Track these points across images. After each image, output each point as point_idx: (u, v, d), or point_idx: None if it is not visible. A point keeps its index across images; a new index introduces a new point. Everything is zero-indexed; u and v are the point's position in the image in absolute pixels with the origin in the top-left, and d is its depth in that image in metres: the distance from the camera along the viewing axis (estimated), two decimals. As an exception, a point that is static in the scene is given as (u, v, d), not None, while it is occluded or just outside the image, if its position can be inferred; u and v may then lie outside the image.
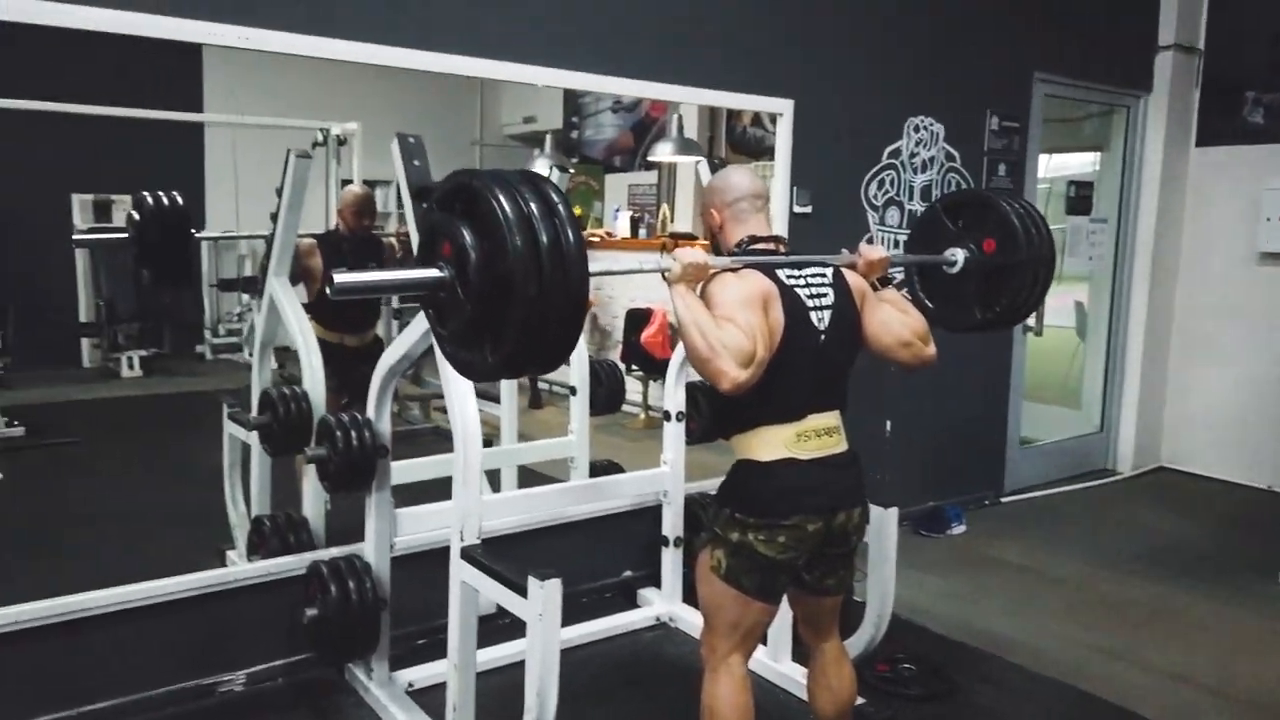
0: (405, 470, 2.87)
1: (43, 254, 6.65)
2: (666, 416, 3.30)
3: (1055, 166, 5.81)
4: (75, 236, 3.90)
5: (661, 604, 3.34)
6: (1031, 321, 4.80)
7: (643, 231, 7.04)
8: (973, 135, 4.42)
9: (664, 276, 1.94)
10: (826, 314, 2.04)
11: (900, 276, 2.84)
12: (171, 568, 2.74)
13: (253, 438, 3.26)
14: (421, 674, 2.78)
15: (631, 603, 3.46)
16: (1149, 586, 3.77)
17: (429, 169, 2.45)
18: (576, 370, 3.76)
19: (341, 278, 1.60)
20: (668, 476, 3.29)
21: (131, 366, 7.06)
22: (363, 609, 2.58)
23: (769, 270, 2.01)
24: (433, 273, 1.64)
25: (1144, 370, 5.30)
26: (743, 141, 7.38)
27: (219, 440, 3.62)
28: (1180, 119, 5.20)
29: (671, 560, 3.31)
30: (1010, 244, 2.43)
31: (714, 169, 3.14)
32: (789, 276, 2.02)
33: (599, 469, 3.87)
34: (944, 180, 4.31)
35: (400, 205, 2.63)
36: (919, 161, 4.22)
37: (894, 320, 2.13)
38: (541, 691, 2.03)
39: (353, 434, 2.56)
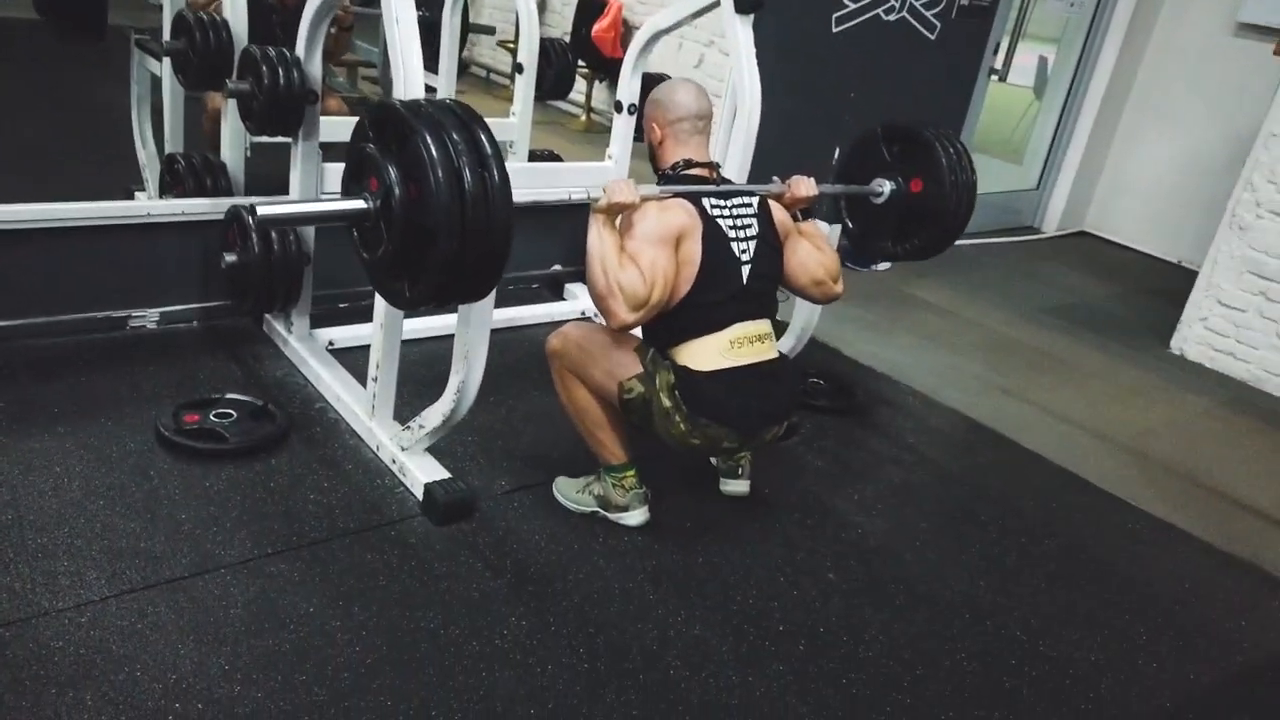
0: (334, 127, 2.69)
1: None
2: (618, 107, 3.14)
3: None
4: None
5: (587, 300, 3.35)
6: (999, 65, 4.65)
7: None
8: None
9: (590, 204, 1.96)
10: (750, 244, 2.09)
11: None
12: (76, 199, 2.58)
13: (165, 68, 2.98)
14: (342, 334, 2.77)
15: (559, 296, 3.47)
16: (1051, 336, 3.95)
17: None
18: (525, 46, 3.51)
19: (265, 209, 1.61)
20: (611, 171, 3.18)
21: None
22: (285, 260, 2.50)
23: (695, 199, 2.03)
24: (358, 204, 1.64)
25: (1091, 134, 5.26)
26: None
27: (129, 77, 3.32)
28: None
29: (603, 256, 3.28)
30: (936, 189, 2.49)
31: None
32: (714, 206, 2.06)
33: (538, 157, 3.73)
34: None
35: None
36: None
37: (810, 259, 2.24)
38: (471, 351, 2.03)
39: (279, 70, 2.35)
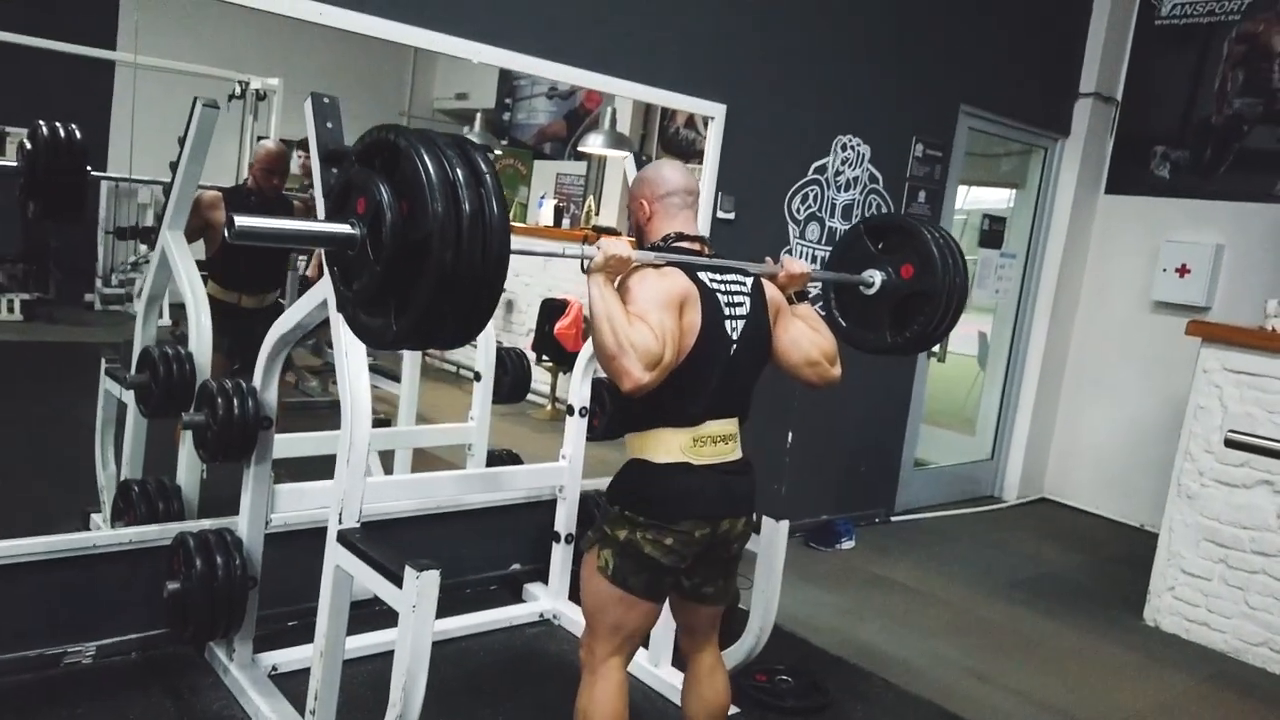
0: (290, 444, 2.76)
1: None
2: (570, 411, 3.25)
3: (972, 199, 5.97)
4: (-47, 165, 3.63)
5: (547, 600, 3.29)
6: (936, 348, 4.91)
7: (566, 222, 6.95)
8: (897, 159, 4.48)
9: (583, 265, 1.89)
10: (741, 324, 2.01)
11: (816, 291, 2.86)
12: (30, 527, 2.57)
13: (130, 396, 3.08)
14: (287, 657, 2.67)
15: (517, 597, 3.40)
16: (1023, 613, 3.88)
17: (343, 133, 2.33)
18: (482, 356, 3.68)
19: (244, 221, 1.51)
20: (565, 471, 3.23)
21: (11, 310, 6.63)
22: (229, 586, 2.45)
23: (690, 271, 1.97)
24: (344, 228, 1.56)
25: (1036, 403, 5.47)
26: (674, 142, 7.35)
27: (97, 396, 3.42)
28: (1093, 165, 5.39)
29: (561, 556, 3.27)
30: (928, 272, 2.47)
31: (640, 166, 3.10)
32: (711, 280, 1.99)
33: (497, 458, 3.79)
34: (865, 201, 4.37)
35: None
36: (843, 180, 4.25)
37: (804, 338, 2.13)
38: (408, 687, 1.95)
39: (235, 401, 2.44)
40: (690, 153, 7.02)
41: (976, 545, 4.73)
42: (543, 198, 7.38)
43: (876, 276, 2.52)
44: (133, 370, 3.00)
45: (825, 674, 3.06)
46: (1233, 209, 4.90)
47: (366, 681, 2.59)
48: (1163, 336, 4.95)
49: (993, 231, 5.35)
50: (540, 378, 6.56)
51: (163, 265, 3.16)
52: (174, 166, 3.13)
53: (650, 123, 7.43)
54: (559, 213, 6.92)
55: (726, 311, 1.98)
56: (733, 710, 2.63)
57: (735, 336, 1.99)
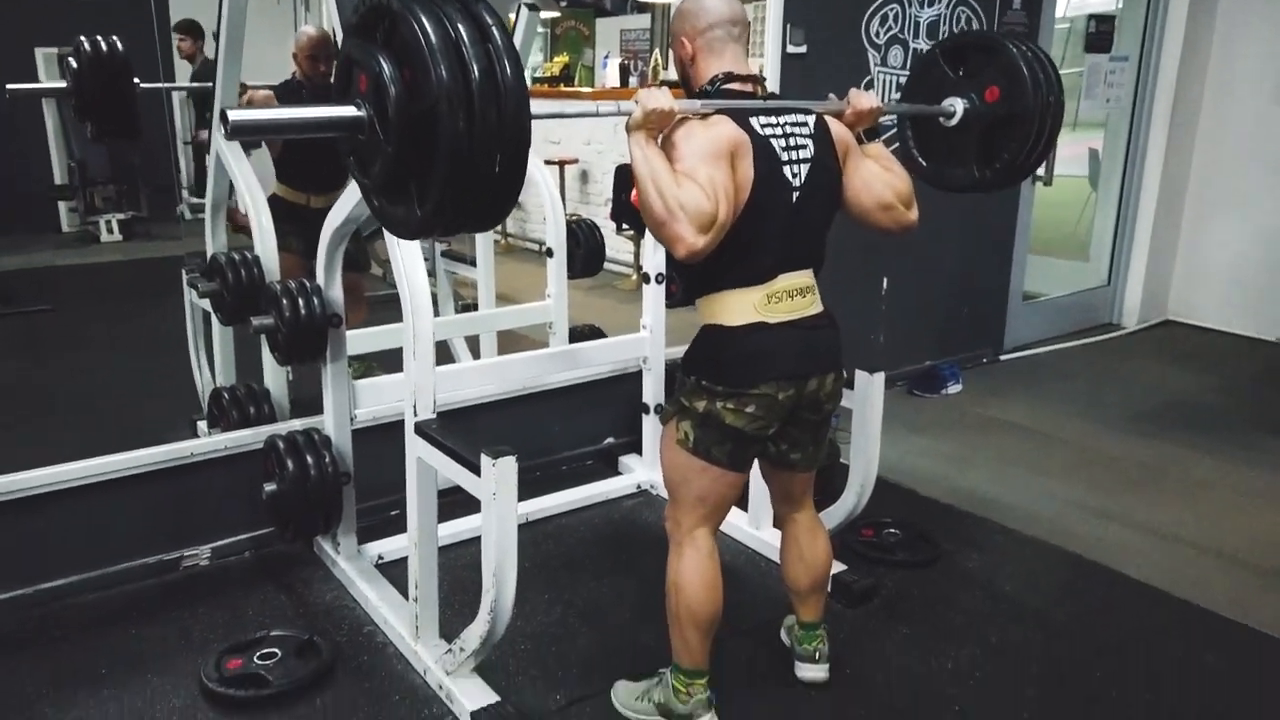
0: (361, 340, 2.72)
1: (8, 113, 6.33)
2: (645, 279, 3.11)
3: (1075, 4, 5.38)
4: (9, 87, 3.60)
5: (643, 471, 3.25)
6: (1041, 171, 4.52)
7: (633, 80, 6.65)
8: (986, -38, 4.03)
9: (628, 124, 1.72)
10: (804, 168, 1.83)
11: (893, 128, 2.59)
12: (144, 439, 2.64)
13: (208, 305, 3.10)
14: (391, 546, 2.71)
15: (614, 469, 3.38)
16: (1149, 444, 3.66)
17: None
18: (552, 230, 3.55)
19: (238, 115, 1.39)
20: (647, 342, 3.13)
21: (110, 230, 6.83)
22: (322, 484, 2.47)
23: (742, 116, 1.78)
24: (348, 111, 1.43)
25: (1156, 219, 5.04)
26: (740, -22, 6.87)
27: (191, 307, 3.48)
28: (1215, -57, 4.75)
29: (652, 427, 3.20)
30: (1016, 91, 2.18)
31: None
32: (764, 125, 1.80)
33: (579, 334, 3.71)
34: (953, 15, 3.95)
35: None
36: (925, -7, 3.85)
37: (876, 180, 1.95)
38: (499, 572, 1.92)
39: (300, 302, 2.39)
40: (756, -12, 6.57)
41: (1095, 377, 4.46)
42: (606, 57, 7.08)
43: (958, 104, 2.25)
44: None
45: (935, 524, 2.95)
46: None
47: (471, 564, 2.59)
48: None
49: (1100, 33, 4.81)
50: (622, 247, 6.42)
51: (220, 170, 3.12)
52: (211, 65, 3.03)
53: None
54: (624, 71, 6.62)
55: (784, 157, 1.81)
56: (841, 567, 2.56)
57: (798, 183, 1.82)
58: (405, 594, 2.37)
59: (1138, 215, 5.08)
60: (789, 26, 3.50)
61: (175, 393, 3.84)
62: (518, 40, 3.60)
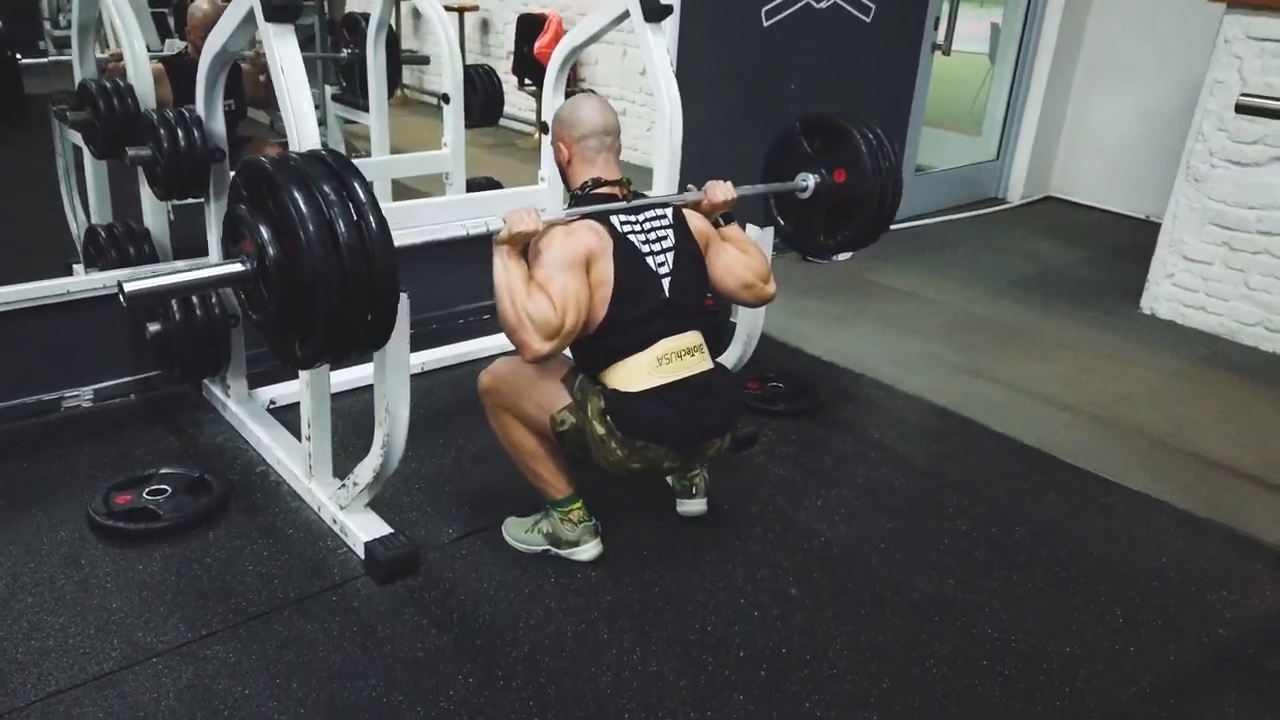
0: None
1: None
2: (544, 129, 3.07)
3: None
4: None
5: (539, 323, 3.29)
6: (940, 39, 4.57)
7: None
8: None
9: (494, 239, 1.92)
10: (669, 255, 2.03)
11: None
12: (8, 280, 2.52)
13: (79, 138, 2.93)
14: (284, 391, 2.71)
15: (510, 322, 3.40)
16: (1019, 309, 3.88)
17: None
18: (449, 76, 3.46)
19: (133, 285, 1.54)
20: (546, 194, 3.12)
21: (-35, 66, 6.25)
22: (209, 325, 2.44)
23: (604, 218, 1.98)
24: (235, 267, 1.59)
25: (1046, 96, 5.18)
26: None
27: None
28: None
29: (549, 279, 3.22)
30: (858, 175, 2.44)
31: None
32: (624, 223, 2.00)
33: (477, 185, 3.67)
34: None
35: None
36: None
37: (736, 264, 2.17)
38: (391, 406, 1.96)
39: (179, 133, 2.29)
40: None
41: (978, 248, 4.66)
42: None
43: (810, 180, 2.50)
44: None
45: (816, 379, 3.11)
46: None
47: (365, 409, 2.60)
48: (1185, 10, 4.56)
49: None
50: (524, 104, 6.26)
51: (85, -10, 2.89)
52: None
53: None
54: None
55: (645, 249, 2.00)
56: (723, 415, 2.69)
57: (665, 270, 2.01)
58: (299, 436, 2.40)
59: (1029, 92, 5.21)
60: None
61: (47, 236, 3.66)
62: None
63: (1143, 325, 3.77)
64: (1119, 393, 3.20)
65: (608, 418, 1.95)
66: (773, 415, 2.85)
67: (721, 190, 2.20)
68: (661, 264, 2.01)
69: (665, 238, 2.04)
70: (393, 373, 1.94)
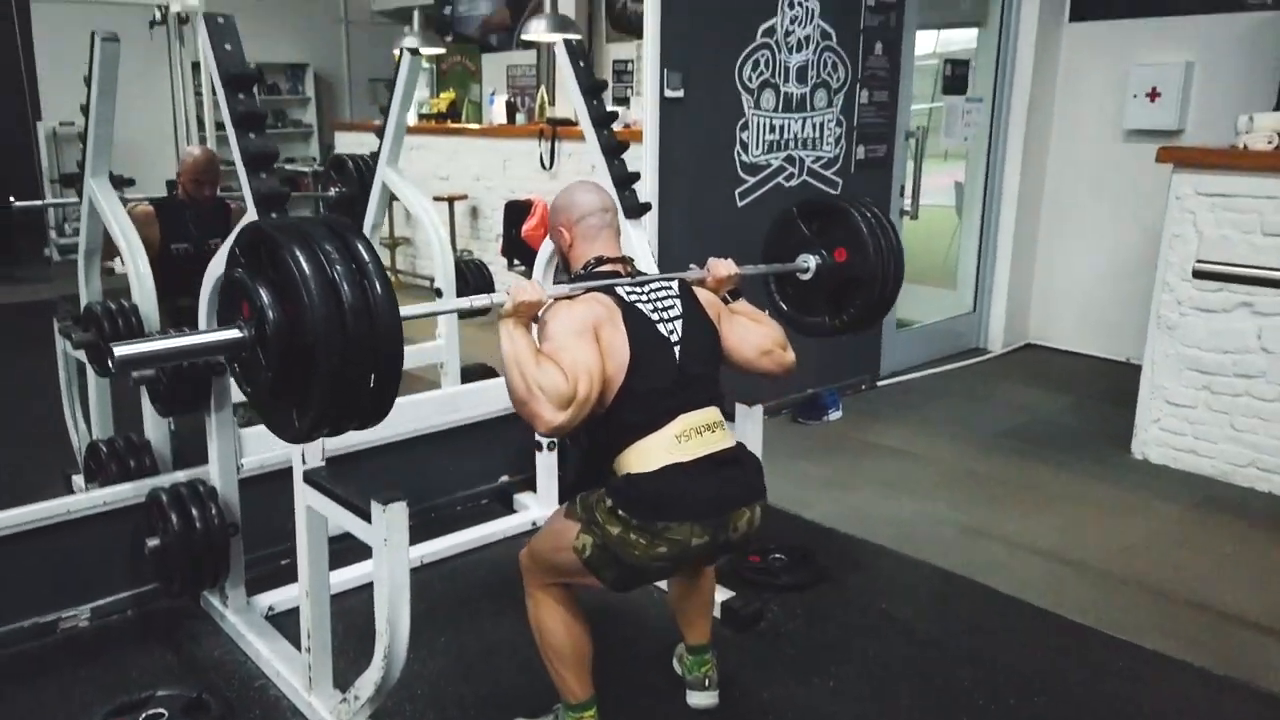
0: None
1: None
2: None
3: (937, 43, 5.74)
4: None
5: (537, 509, 3.29)
6: (908, 205, 4.80)
7: (520, 117, 6.73)
8: (849, 9, 4.28)
9: (498, 314, 1.89)
10: (678, 323, 1.99)
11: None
12: (14, 497, 2.55)
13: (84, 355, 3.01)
14: (281, 597, 2.68)
15: (509, 508, 3.41)
16: (1012, 461, 3.91)
17: (243, 53, 2.19)
18: (441, 271, 3.60)
19: (124, 349, 1.50)
20: (538, 379, 3.18)
21: (-27, 272, 6.47)
22: (209, 536, 2.44)
23: (609, 290, 1.96)
24: (232, 334, 1.53)
25: (1015, 248, 5.40)
26: (623, 19, 7.05)
27: (62, 356, 3.36)
28: (1055, -7, 5.16)
29: (545, 463, 3.26)
30: (859, 255, 2.44)
31: (574, 52, 2.95)
32: (630, 294, 1.97)
33: (472, 373, 3.75)
34: (820, 60, 4.18)
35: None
36: (794, 40, 4.06)
37: (751, 332, 2.14)
38: (392, 617, 1.94)
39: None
40: (640, 28, 6.75)
41: (964, 400, 4.74)
42: (494, 94, 7.13)
43: (811, 261, 2.49)
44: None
45: (818, 547, 3.09)
46: (1201, 23, 4.70)
47: (364, 610, 2.57)
48: (1136, 166, 4.82)
49: (955, 76, 5.16)
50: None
51: (93, 215, 3.05)
52: (85, 109, 2.97)
53: (596, 1, 7.12)
54: (511, 109, 6.69)
55: (655, 317, 1.96)
56: (728, 594, 2.67)
57: (676, 337, 1.97)
58: (298, 645, 2.36)
59: (997, 246, 5.43)
60: (666, 71, 3.65)
61: (48, 447, 3.69)
62: (400, 85, 3.62)
63: (1136, 471, 3.80)
64: (1121, 544, 3.19)
65: (619, 512, 1.85)
66: (777, 590, 2.82)
67: (724, 266, 2.19)
68: (671, 331, 1.96)
69: (672, 307, 2.00)
70: (393, 581, 1.94)
